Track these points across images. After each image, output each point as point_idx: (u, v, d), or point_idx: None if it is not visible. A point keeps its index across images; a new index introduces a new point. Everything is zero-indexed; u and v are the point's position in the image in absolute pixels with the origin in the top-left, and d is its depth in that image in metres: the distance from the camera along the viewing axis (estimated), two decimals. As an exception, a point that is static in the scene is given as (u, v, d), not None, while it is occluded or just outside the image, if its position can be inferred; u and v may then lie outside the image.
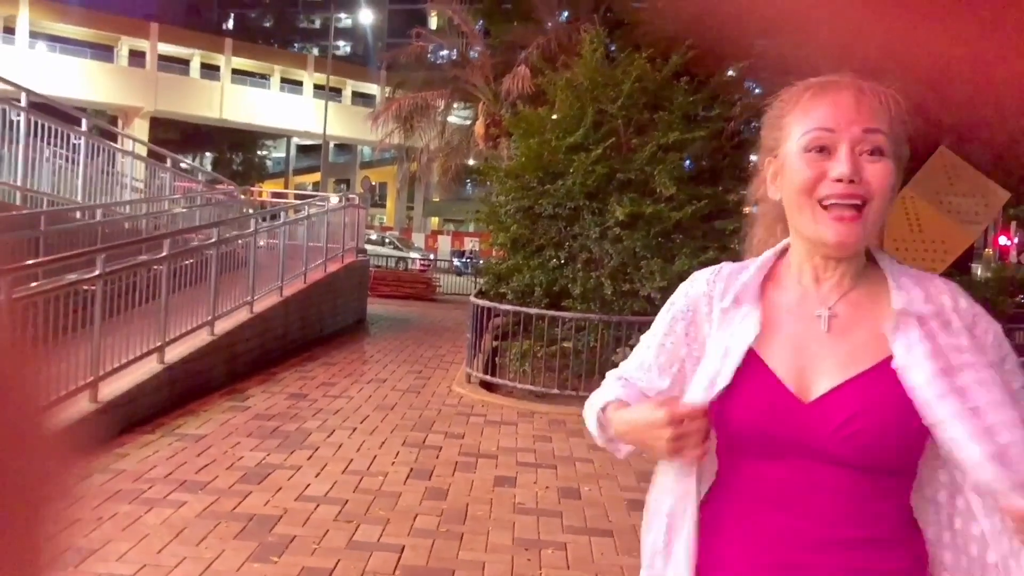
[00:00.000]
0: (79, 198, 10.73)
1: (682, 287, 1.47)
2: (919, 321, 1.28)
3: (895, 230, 13.31)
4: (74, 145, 10.70)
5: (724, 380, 1.32)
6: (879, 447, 1.24)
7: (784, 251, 1.42)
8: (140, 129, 39.80)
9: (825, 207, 1.26)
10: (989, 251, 26.55)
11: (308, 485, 5.32)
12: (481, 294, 10.58)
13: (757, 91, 17.94)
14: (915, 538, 1.31)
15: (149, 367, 6.97)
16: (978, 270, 21.17)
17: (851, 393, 1.26)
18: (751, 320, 1.34)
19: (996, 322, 1.34)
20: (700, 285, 1.43)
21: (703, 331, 1.41)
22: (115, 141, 13.80)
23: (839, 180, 1.25)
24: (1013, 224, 26.71)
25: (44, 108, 10.46)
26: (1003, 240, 25.20)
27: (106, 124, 19.36)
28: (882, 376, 1.26)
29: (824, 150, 1.27)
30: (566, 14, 19.08)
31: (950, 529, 1.30)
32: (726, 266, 1.45)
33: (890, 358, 1.27)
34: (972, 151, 17.37)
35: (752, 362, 1.33)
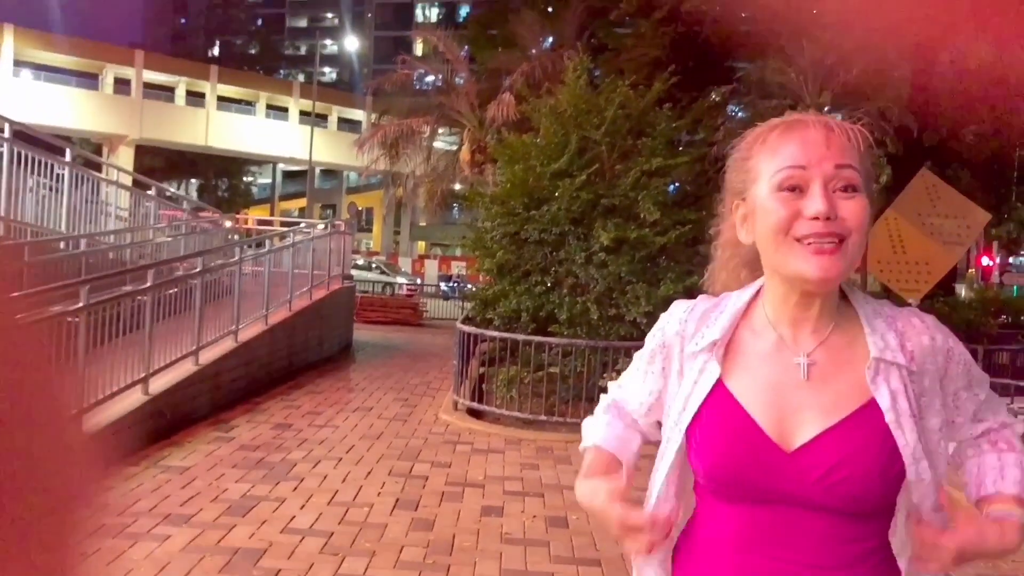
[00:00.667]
0: (63, 228, 10.68)
1: (661, 320, 1.47)
2: (896, 369, 1.28)
3: (879, 252, 13.40)
4: (58, 175, 10.67)
5: (686, 420, 1.34)
6: (863, 493, 1.24)
7: (757, 292, 1.40)
8: (125, 157, 39.76)
9: (803, 242, 1.24)
10: (972, 271, 26.74)
11: (293, 517, 5.28)
12: (468, 320, 10.57)
13: (740, 115, 18.12)
14: (893, 573, 1.30)
15: (134, 398, 6.92)
16: (962, 291, 21.33)
17: (833, 441, 1.26)
18: (712, 370, 1.34)
19: (966, 350, 1.36)
20: (674, 324, 1.43)
21: (674, 367, 1.42)
22: (100, 170, 13.78)
23: (815, 218, 1.23)
24: (995, 244, 26.92)
25: (27, 138, 10.43)
26: (985, 260, 25.37)
27: (90, 154, 19.30)
28: (862, 422, 1.26)
29: (797, 189, 1.25)
30: (550, 40, 19.26)
31: None
32: (700, 303, 1.44)
33: (869, 403, 1.27)
34: (952, 172, 17.52)
35: (732, 409, 1.32)
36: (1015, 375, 10.41)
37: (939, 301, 13.38)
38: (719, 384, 1.33)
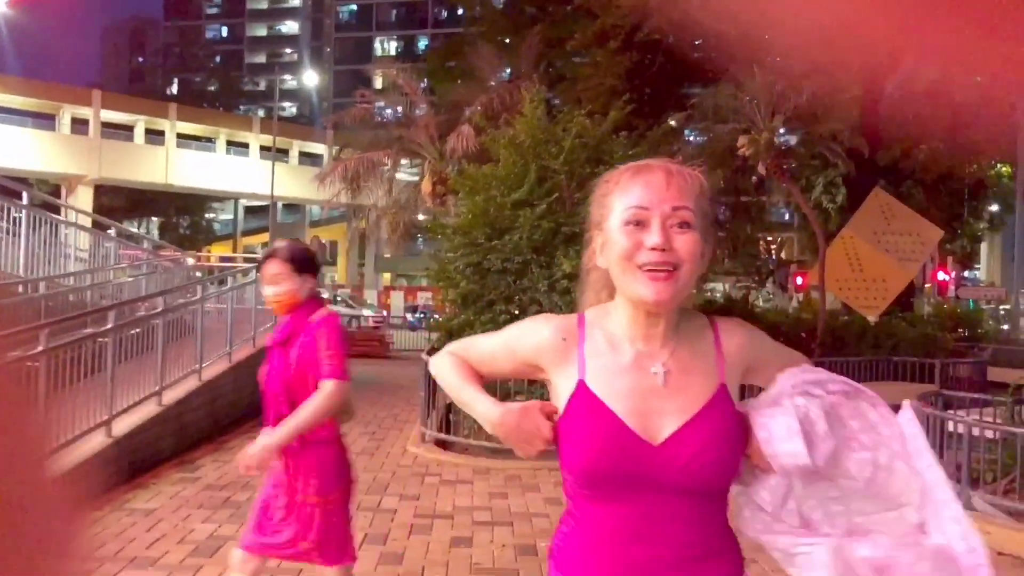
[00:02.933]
0: (21, 272, 10.58)
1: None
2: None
3: (837, 270, 13.64)
4: (15, 218, 10.58)
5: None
6: (721, 474, 1.49)
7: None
8: (84, 196, 39.35)
9: (643, 270, 1.47)
10: (928, 287, 27.22)
11: (261, 556, 5.24)
12: (434, 351, 10.58)
13: (696, 140, 18.39)
14: (735, 544, 1.57)
15: (97, 441, 6.84)
16: (923, 306, 21.71)
17: (692, 433, 1.48)
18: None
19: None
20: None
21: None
22: (58, 211, 13.67)
23: (653, 249, 1.45)
24: (949, 259, 27.46)
25: (-17, 182, 10.35)
26: (941, 275, 25.86)
27: (48, 196, 19.10)
28: (713, 415, 1.50)
29: (640, 224, 1.48)
30: (508, 72, 19.46)
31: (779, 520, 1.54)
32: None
33: (715, 398, 1.52)
34: (905, 191, 17.88)
35: (600, 410, 1.51)
36: (971, 387, 10.61)
37: (897, 316, 13.62)
38: (582, 386, 1.54)
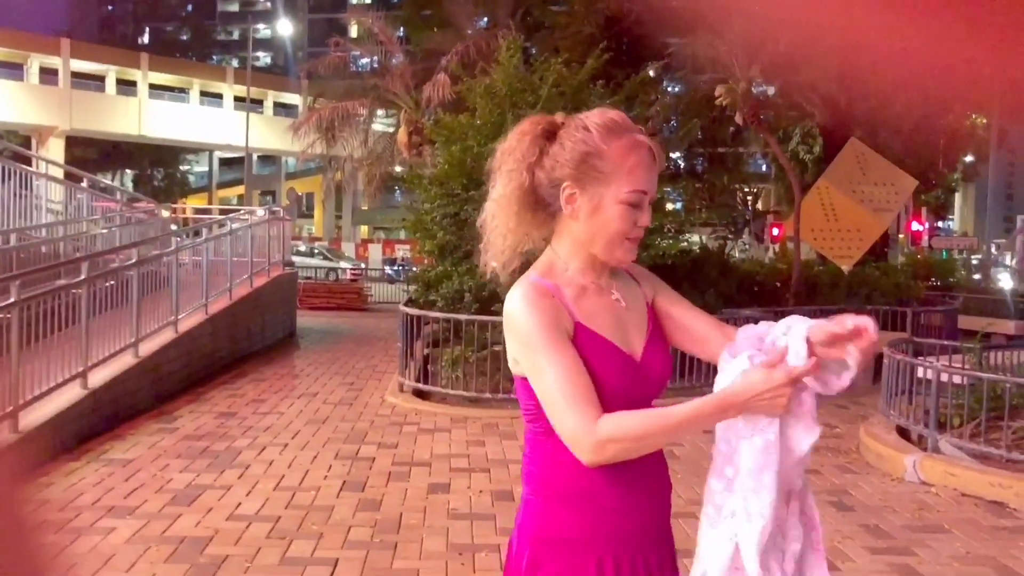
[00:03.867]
0: (-9, 223, 10.44)
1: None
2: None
3: (812, 220, 13.70)
4: (-16, 169, 10.41)
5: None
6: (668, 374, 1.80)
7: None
8: (56, 148, 38.70)
9: (628, 239, 1.71)
10: (902, 237, 27.44)
11: (239, 504, 5.29)
12: (411, 302, 10.59)
13: (674, 89, 18.31)
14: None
15: (73, 393, 6.83)
16: (898, 257, 21.91)
17: (653, 346, 1.76)
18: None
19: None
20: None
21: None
22: (29, 163, 13.45)
23: (643, 226, 1.70)
24: (924, 210, 27.64)
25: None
26: (915, 226, 26.03)
27: (19, 147, 18.79)
28: (656, 327, 1.79)
29: (637, 205, 1.68)
30: (485, 20, 19.21)
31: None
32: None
33: (650, 312, 1.80)
34: (882, 141, 17.94)
35: (600, 341, 1.68)
36: (941, 335, 10.77)
37: (871, 266, 13.74)
38: (579, 326, 1.68)
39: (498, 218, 1.77)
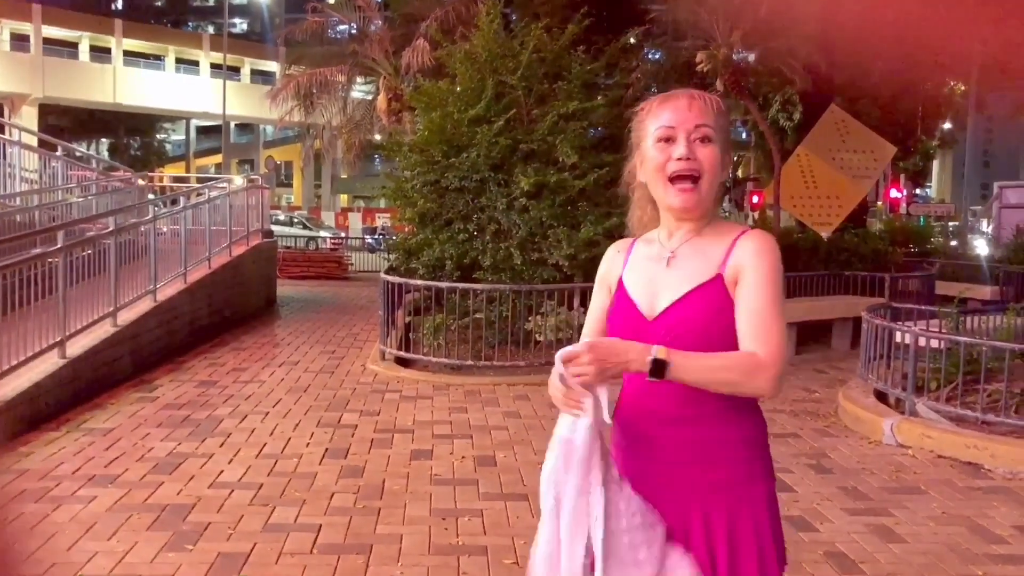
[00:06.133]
0: (-36, 192, 10.28)
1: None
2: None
3: (791, 187, 13.72)
4: (-45, 137, 10.23)
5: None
6: (700, 343, 1.72)
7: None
8: (29, 117, 38.14)
9: (672, 182, 1.80)
10: (880, 204, 27.55)
11: (221, 472, 5.29)
12: (392, 270, 10.55)
13: (656, 56, 18.20)
14: (740, 416, 1.79)
15: (50, 362, 6.78)
16: (876, 224, 22.03)
17: (681, 307, 1.79)
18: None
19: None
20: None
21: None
22: (2, 131, 13.24)
23: (680, 159, 1.78)
24: (902, 177, 27.74)
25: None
26: (894, 193, 26.11)
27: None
28: (703, 292, 1.78)
29: (670, 140, 1.80)
30: (465, -16, 18.97)
31: None
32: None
33: (712, 280, 1.79)
34: (861, 108, 17.93)
35: (623, 295, 1.90)
36: (919, 300, 10.85)
37: (850, 232, 13.81)
38: (619, 281, 1.94)
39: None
